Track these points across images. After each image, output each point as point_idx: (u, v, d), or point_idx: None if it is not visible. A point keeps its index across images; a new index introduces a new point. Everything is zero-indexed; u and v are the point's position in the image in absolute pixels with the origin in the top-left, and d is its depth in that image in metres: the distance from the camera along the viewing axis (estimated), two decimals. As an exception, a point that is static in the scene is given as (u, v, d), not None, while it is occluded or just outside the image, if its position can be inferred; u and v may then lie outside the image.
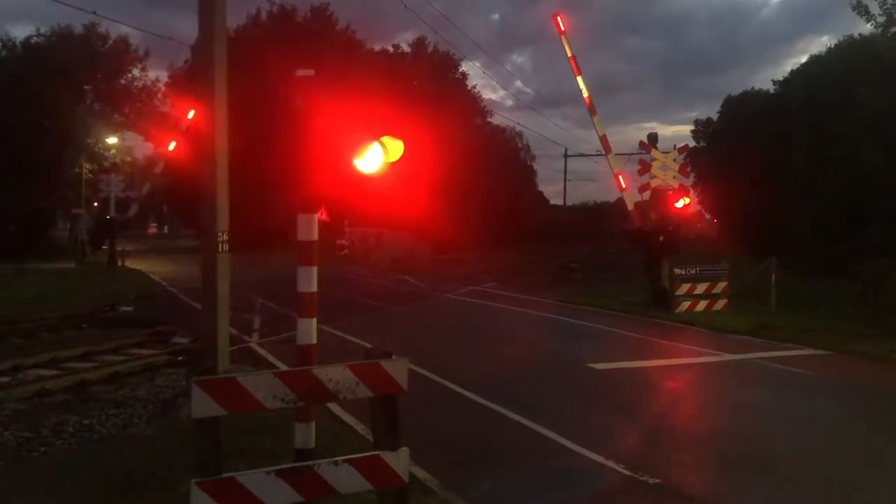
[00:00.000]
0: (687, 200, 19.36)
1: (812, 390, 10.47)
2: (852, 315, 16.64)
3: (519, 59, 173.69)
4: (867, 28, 24.83)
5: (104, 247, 33.30)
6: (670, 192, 19.33)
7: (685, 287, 17.80)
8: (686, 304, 17.69)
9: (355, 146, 4.95)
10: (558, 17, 20.45)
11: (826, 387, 10.71)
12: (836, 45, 33.30)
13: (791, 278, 20.66)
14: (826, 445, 7.70)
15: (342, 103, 5.20)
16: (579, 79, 20.73)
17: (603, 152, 21.74)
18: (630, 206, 20.31)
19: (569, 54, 20.42)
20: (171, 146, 27.22)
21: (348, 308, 17.99)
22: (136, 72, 50.82)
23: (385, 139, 4.99)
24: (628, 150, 36.89)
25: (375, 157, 4.98)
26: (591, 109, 20.91)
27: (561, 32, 20.50)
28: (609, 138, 20.91)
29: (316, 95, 5.13)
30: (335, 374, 4.31)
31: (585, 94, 20.72)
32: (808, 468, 6.87)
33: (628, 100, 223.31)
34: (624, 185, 20.46)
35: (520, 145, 69.61)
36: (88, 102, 45.71)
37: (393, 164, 5.13)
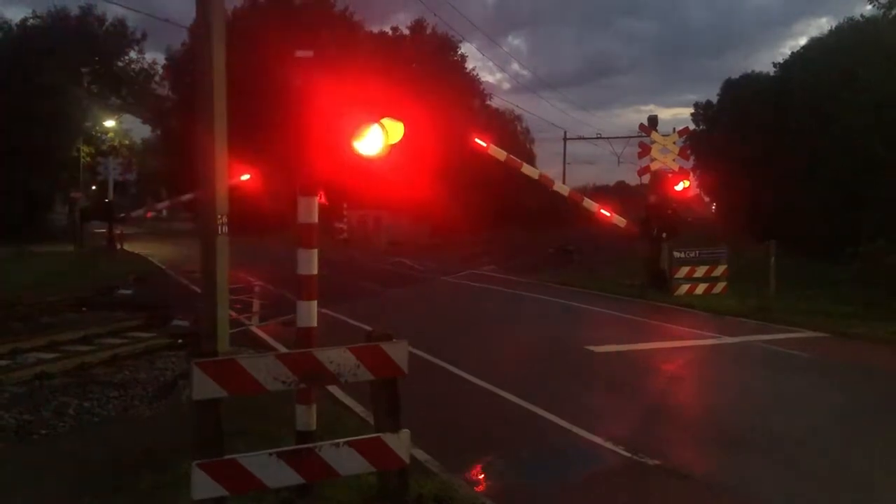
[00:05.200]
0: (687, 183, 19.33)
1: (810, 372, 10.51)
2: (850, 297, 16.66)
3: (516, 41, 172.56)
4: (868, 10, 24.71)
5: (97, 228, 33.16)
6: (670, 175, 19.34)
7: (684, 270, 17.78)
8: (685, 287, 17.67)
9: (355, 128, 4.90)
10: (476, 139, 20.63)
11: (824, 369, 10.76)
12: (836, 28, 33.07)
13: (790, 261, 20.65)
14: (823, 427, 7.73)
15: (341, 85, 5.14)
16: (524, 167, 21.06)
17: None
18: (622, 225, 20.47)
19: (503, 158, 20.64)
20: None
21: (347, 291, 18.01)
22: (133, 54, 50.60)
23: (385, 121, 4.93)
24: (627, 132, 36.72)
25: (376, 140, 4.92)
26: (549, 182, 21.42)
27: (484, 149, 20.68)
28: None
29: (315, 77, 5.07)
30: (336, 357, 4.31)
31: (535, 175, 20.99)
32: (806, 449, 6.91)
33: (626, 82, 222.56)
34: (609, 215, 20.67)
35: (519, 128, 69.30)
36: (85, 85, 45.45)
37: (393, 146, 5.08)
